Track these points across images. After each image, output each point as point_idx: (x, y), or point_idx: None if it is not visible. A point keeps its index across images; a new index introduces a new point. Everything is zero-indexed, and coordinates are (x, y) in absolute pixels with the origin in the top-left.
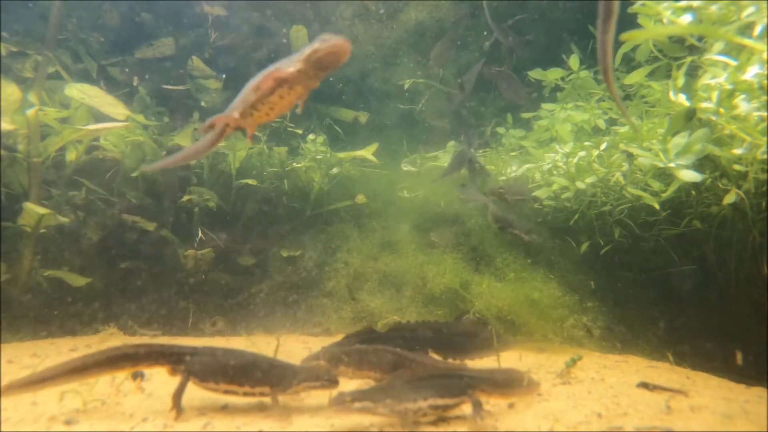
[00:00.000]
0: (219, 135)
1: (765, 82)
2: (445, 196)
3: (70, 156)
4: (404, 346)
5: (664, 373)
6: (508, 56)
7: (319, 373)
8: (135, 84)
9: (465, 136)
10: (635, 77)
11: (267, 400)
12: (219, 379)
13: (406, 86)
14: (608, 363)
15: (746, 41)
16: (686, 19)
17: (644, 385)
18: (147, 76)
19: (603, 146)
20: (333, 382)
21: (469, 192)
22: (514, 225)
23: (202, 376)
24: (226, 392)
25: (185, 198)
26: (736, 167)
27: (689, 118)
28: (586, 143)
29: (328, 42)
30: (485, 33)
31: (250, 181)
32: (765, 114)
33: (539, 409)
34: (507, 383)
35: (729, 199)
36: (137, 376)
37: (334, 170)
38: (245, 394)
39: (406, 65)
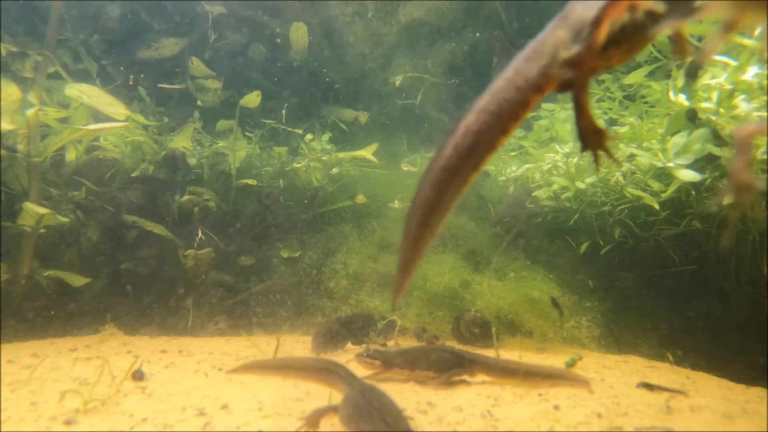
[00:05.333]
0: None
1: (765, 82)
2: None
3: (70, 156)
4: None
5: (664, 373)
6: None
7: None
8: (131, 83)
9: None
10: (635, 77)
11: (266, 398)
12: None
13: (397, 83)
14: (608, 363)
15: (746, 41)
16: None
17: (644, 385)
18: (143, 76)
19: None
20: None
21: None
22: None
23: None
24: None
25: (185, 198)
26: None
27: (691, 119)
28: None
29: None
30: (477, 34)
31: (250, 181)
32: (765, 114)
33: (539, 409)
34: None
35: (729, 199)
36: (137, 376)
37: (334, 170)
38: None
39: (403, 66)
